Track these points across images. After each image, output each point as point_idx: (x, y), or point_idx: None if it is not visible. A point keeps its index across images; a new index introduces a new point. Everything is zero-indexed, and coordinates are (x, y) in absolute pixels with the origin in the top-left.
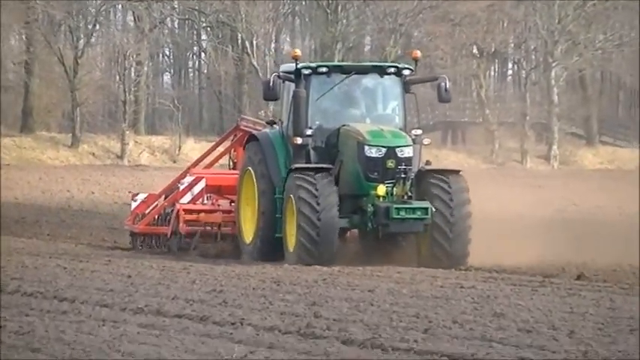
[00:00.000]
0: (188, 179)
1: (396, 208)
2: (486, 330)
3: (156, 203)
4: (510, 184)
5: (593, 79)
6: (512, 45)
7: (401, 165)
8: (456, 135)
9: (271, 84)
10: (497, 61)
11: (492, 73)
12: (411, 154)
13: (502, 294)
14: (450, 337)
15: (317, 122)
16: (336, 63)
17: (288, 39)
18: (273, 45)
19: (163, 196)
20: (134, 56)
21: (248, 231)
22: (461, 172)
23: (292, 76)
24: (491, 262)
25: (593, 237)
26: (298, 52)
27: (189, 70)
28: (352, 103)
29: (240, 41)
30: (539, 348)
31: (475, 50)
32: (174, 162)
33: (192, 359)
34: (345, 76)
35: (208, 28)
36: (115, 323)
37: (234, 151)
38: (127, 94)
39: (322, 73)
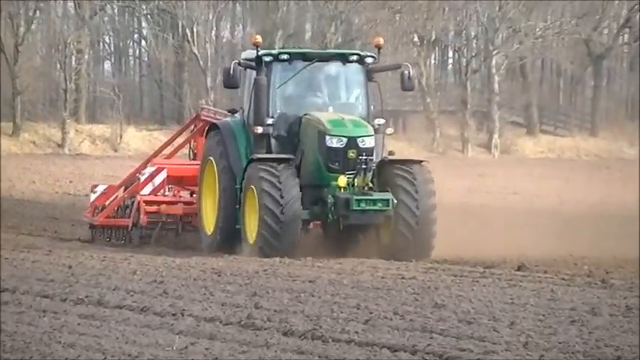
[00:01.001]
0: (149, 170)
1: (357, 200)
2: (427, 321)
3: (116, 195)
4: (451, 173)
5: (534, 67)
6: (453, 32)
7: (362, 155)
8: (397, 123)
9: (232, 71)
10: (437, 48)
11: (433, 61)
12: (372, 145)
13: (443, 285)
14: (390, 329)
15: (278, 111)
16: (298, 50)
17: (228, 26)
18: (213, 32)
19: (123, 188)
20: (74, 44)
21: (209, 222)
22: (424, 163)
23: (253, 63)
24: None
25: (533, 227)
26: (259, 38)
27: (130, 57)
28: (314, 91)
29: (180, 29)
30: (479, 339)
31: (415, 38)
32: (116, 151)
33: (133, 350)
34: (307, 63)
35: (149, 16)
36: (55, 314)
37: (195, 141)
38: (68, 82)
39: (284, 60)
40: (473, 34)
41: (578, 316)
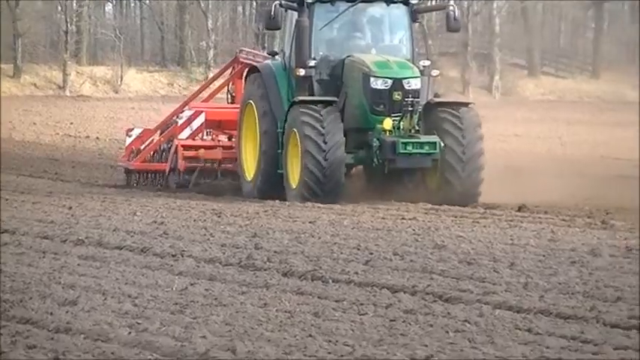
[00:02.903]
0: (187, 113)
1: (403, 143)
2: (427, 262)
3: (152, 138)
4: None
5: (535, 10)
6: None
7: (408, 97)
8: None
9: (273, 13)
10: None
11: (434, 2)
12: (418, 86)
13: (443, 225)
14: (390, 269)
15: (321, 53)
16: None
17: None
18: None
19: (159, 132)
20: None
21: (249, 167)
22: (471, 105)
23: (295, 4)
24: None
25: (534, 169)
26: None
27: (131, 0)
28: (357, 33)
29: None
30: (479, 280)
31: None
32: (116, 92)
33: (133, 291)
34: (350, 4)
35: None
36: (55, 255)
37: (233, 84)
38: (69, 25)
39: (326, 1)
40: None
41: (578, 256)
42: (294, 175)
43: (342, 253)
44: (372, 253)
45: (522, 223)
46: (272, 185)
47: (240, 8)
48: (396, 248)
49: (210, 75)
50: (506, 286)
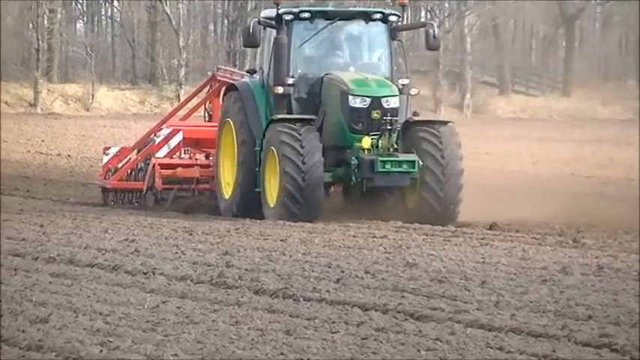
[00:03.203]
0: (164, 132)
1: (382, 161)
2: (398, 280)
3: (129, 157)
4: None
5: (506, 28)
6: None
7: (387, 116)
8: None
9: (251, 30)
10: (410, 9)
11: (405, 21)
12: (397, 105)
13: (414, 244)
14: (362, 287)
15: (299, 71)
16: (319, 8)
17: None
18: None
19: (136, 150)
20: (47, 3)
21: (227, 185)
22: (451, 124)
23: (273, 22)
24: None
25: (505, 187)
26: None
27: (102, 17)
28: (336, 51)
29: None
30: (451, 298)
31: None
32: (88, 110)
33: (104, 308)
34: (328, 21)
35: None
36: (27, 272)
37: (211, 102)
38: (40, 42)
39: (305, 19)
40: None
41: (549, 275)
42: (271, 193)
43: (313, 271)
44: (343, 272)
45: (493, 241)
46: (250, 204)
47: (211, 26)
48: (368, 266)
49: (183, 93)
50: (478, 304)
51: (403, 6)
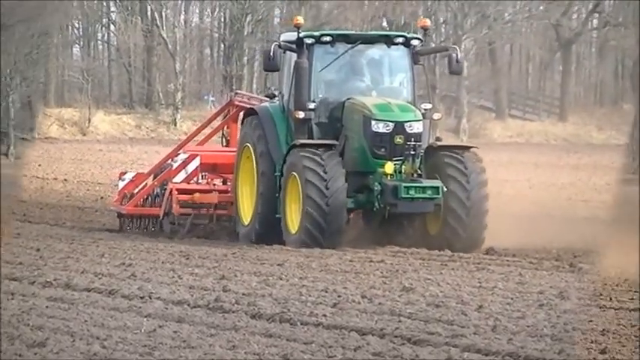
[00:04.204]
0: (181, 157)
1: (406, 187)
2: (395, 304)
3: (145, 182)
4: None
5: (503, 52)
6: (422, 17)
7: (410, 141)
8: None
9: (272, 54)
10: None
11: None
12: (420, 130)
13: (411, 268)
14: (358, 312)
15: (320, 95)
16: (340, 32)
17: (197, 10)
18: (182, 16)
19: (153, 175)
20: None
21: (246, 211)
22: (474, 149)
23: (294, 45)
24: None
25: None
26: (300, 19)
27: (99, 42)
28: (358, 75)
29: (149, 13)
30: (447, 322)
31: (385, 23)
32: (84, 135)
33: (101, 333)
34: (350, 45)
35: (117, 0)
36: (23, 297)
37: (228, 127)
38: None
39: (326, 43)
40: (442, 19)
41: (546, 299)
42: (292, 219)
43: (310, 295)
44: (340, 296)
45: (490, 265)
46: (269, 229)
47: (207, 50)
48: (364, 291)
49: (179, 117)
50: (475, 328)
51: (425, 29)
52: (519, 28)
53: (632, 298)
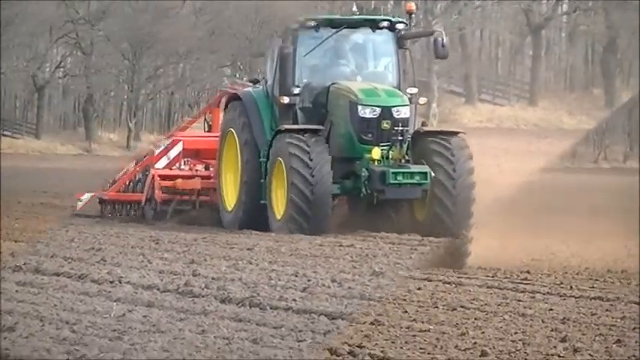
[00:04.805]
0: (163, 142)
1: (393, 173)
2: (365, 288)
3: (126, 168)
4: None
5: (473, 37)
6: (392, 2)
7: (397, 126)
8: None
9: None
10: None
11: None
12: (408, 115)
13: (381, 252)
14: (328, 296)
15: (305, 80)
16: (325, 16)
17: None
18: None
19: (134, 161)
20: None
21: (230, 197)
22: (461, 134)
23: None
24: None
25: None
26: None
27: None
28: (342, 60)
29: None
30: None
31: (355, 8)
32: None
33: (71, 317)
34: (334, 30)
35: None
36: None
37: (210, 112)
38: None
39: (310, 27)
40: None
41: None
42: (278, 206)
43: (280, 280)
44: (309, 280)
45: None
46: (254, 216)
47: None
48: (334, 275)
49: None
50: None
51: (410, 13)
52: (489, 13)
53: (593, 287)
